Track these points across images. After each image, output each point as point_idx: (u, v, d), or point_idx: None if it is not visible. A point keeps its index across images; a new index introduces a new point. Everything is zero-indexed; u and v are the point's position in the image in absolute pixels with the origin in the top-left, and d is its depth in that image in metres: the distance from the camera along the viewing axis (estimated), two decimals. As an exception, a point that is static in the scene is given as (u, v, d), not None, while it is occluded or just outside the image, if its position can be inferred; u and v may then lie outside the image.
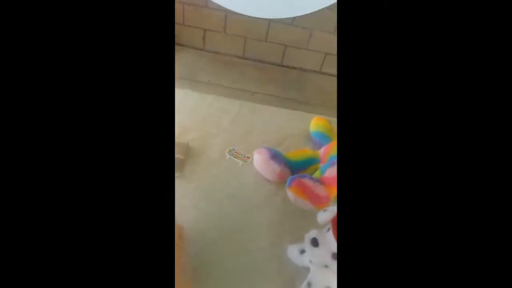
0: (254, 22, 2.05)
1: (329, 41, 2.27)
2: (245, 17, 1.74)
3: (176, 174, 0.78)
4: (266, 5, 1.72)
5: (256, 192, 0.75)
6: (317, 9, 1.93)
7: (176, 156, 0.82)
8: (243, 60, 2.23)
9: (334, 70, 2.45)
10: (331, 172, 0.61)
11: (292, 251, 0.54)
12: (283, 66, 2.39)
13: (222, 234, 0.68)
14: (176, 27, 2.00)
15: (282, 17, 1.97)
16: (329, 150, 0.70)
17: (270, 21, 2.13)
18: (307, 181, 0.61)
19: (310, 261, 0.51)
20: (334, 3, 1.87)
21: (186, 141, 0.96)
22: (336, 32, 2.26)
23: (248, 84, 1.90)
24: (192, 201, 0.78)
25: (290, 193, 0.61)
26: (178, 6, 1.93)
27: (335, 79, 2.48)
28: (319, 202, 0.59)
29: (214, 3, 1.66)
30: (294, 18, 2.03)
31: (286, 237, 0.59)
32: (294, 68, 2.39)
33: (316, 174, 0.66)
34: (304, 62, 2.37)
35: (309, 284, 0.50)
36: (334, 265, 0.45)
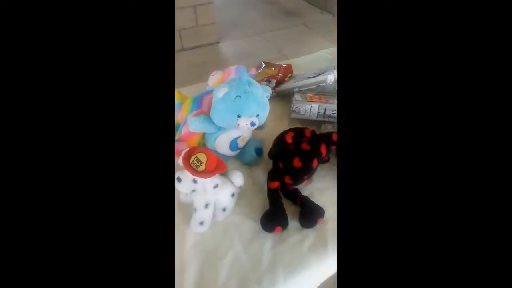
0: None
1: (176, 18, 2.30)
2: None
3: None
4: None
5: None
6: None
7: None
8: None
9: (194, 42, 2.51)
10: (185, 130, 0.70)
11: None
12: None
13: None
14: None
15: None
16: (182, 113, 0.78)
17: None
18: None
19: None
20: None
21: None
22: (177, 7, 2.29)
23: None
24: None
25: None
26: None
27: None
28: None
29: None
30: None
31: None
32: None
33: (176, 136, 0.74)
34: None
35: (206, 205, 0.60)
36: (198, 187, 0.57)
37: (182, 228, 0.63)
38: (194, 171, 0.56)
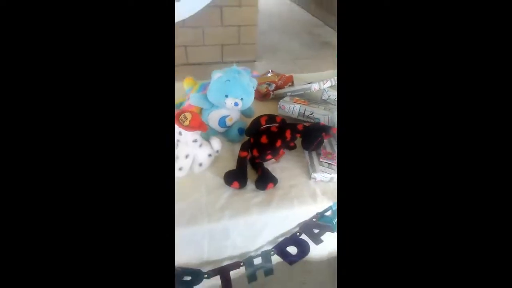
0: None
1: (222, 34, 2.62)
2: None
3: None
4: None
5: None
6: (199, 9, 2.25)
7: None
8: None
9: (233, 57, 2.80)
10: (187, 103, 0.91)
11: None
12: (189, 64, 2.68)
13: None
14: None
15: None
16: (190, 94, 0.99)
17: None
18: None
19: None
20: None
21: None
22: (223, 25, 2.61)
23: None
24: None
25: None
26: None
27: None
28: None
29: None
30: (184, 20, 2.32)
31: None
32: (200, 63, 2.69)
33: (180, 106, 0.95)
34: (205, 57, 2.69)
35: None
36: (182, 139, 0.74)
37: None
38: (180, 124, 0.75)
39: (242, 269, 0.73)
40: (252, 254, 0.77)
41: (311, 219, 0.75)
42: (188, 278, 0.69)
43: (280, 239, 0.76)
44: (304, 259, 0.76)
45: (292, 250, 0.80)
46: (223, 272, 0.74)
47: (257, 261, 0.77)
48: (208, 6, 2.27)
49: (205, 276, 0.71)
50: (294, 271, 0.78)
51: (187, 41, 2.56)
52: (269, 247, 0.77)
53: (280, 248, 0.78)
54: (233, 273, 0.72)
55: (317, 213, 0.76)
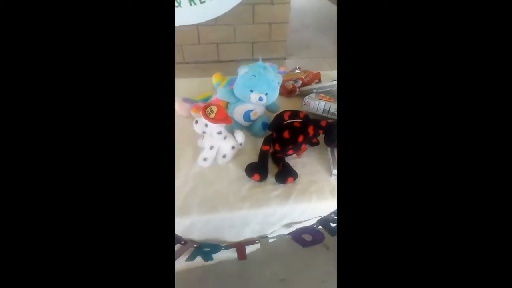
0: (184, 31, 2.38)
1: (253, 31, 2.65)
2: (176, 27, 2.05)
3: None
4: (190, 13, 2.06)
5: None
6: (232, 7, 2.29)
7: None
8: (184, 64, 2.57)
9: (264, 55, 2.82)
10: (214, 97, 0.94)
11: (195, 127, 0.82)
12: (220, 61, 2.74)
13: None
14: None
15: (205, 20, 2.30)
16: (218, 88, 1.03)
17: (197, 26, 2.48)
18: (200, 104, 0.92)
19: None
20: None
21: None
22: (255, 22, 2.64)
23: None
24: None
25: (192, 113, 0.92)
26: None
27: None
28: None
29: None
30: (216, 18, 2.37)
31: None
32: (231, 61, 2.74)
33: (208, 99, 0.99)
34: (236, 54, 2.73)
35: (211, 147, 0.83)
36: (208, 131, 0.78)
37: (191, 161, 0.86)
38: (207, 116, 0.79)
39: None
40: (269, 236, 0.79)
41: (329, 214, 0.76)
42: (208, 249, 0.73)
43: (297, 226, 0.78)
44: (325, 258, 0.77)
45: (307, 237, 0.81)
46: (239, 245, 0.78)
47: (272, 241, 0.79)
48: (240, 4, 2.31)
49: (223, 247, 0.75)
50: (315, 270, 0.80)
51: (219, 39, 2.62)
52: (285, 233, 0.80)
53: (295, 234, 0.80)
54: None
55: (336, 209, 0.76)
